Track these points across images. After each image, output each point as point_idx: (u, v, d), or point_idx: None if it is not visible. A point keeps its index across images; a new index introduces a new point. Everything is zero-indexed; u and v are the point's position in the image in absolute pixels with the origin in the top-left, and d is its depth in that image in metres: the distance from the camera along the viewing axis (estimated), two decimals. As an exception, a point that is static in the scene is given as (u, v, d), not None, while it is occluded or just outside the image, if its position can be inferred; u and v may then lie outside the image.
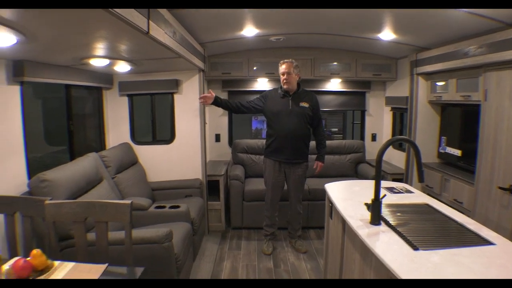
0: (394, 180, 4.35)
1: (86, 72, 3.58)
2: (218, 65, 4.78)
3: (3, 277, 1.74)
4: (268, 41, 4.23)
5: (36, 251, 1.81)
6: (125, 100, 4.32)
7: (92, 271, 1.80)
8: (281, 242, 4.20)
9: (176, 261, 2.76)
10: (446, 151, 4.07)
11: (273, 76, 4.76)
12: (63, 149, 4.00)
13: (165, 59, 3.18)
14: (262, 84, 5.12)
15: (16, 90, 2.74)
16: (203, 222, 4.17)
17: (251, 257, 3.84)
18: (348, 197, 2.59)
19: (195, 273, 3.45)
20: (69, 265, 1.87)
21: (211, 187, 4.48)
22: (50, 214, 2.07)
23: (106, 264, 1.85)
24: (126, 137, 4.37)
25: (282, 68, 3.66)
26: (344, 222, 2.28)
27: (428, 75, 4.19)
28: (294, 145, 3.72)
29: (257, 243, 4.15)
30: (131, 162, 4.15)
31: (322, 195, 4.02)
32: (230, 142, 5.46)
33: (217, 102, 3.60)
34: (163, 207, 3.49)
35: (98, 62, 2.93)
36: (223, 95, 5.27)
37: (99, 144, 4.23)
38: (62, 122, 3.71)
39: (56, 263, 1.89)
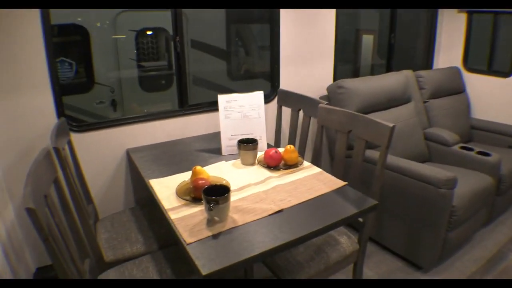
0: None
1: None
2: None
3: (255, 161, 1.90)
4: None
5: (289, 147, 1.88)
6: (463, 18, 3.67)
7: (329, 184, 1.71)
8: None
9: (451, 215, 2.32)
10: None
11: None
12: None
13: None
14: None
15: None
16: (521, 184, 3.30)
17: None
18: None
19: (478, 241, 2.83)
20: (316, 169, 1.86)
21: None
22: (321, 117, 2.06)
23: (345, 183, 1.72)
24: (457, 61, 3.78)
25: None
26: None
27: None
28: None
29: None
30: (455, 90, 3.61)
31: None
32: None
33: None
34: (470, 149, 2.92)
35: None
36: None
37: (425, 63, 3.85)
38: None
39: (307, 164, 1.91)
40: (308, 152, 2.47)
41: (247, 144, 1.89)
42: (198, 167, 1.64)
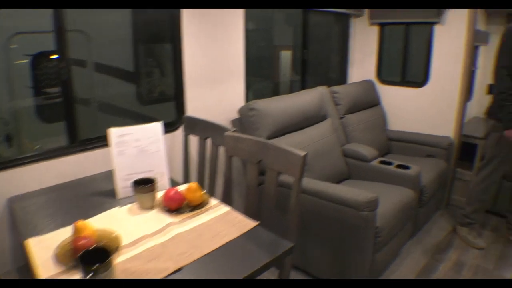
0: None
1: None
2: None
3: (154, 205, 1.64)
4: None
5: (192, 185, 1.64)
6: (375, 31, 3.70)
7: (238, 225, 1.50)
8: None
9: (376, 236, 2.21)
10: None
11: None
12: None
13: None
14: None
15: (238, 12, 2.60)
16: (440, 193, 3.34)
17: (488, 256, 2.83)
18: None
19: (405, 256, 2.77)
20: (223, 209, 1.64)
21: (465, 151, 3.51)
22: (228, 147, 1.86)
23: (257, 223, 1.51)
24: (371, 74, 3.80)
25: None
26: None
27: None
28: None
29: (507, 242, 3.01)
30: (370, 103, 3.62)
31: None
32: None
33: None
34: (389, 163, 2.88)
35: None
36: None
37: (339, 78, 3.83)
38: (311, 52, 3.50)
39: (215, 202, 1.69)
40: (220, 185, 2.24)
41: (144, 185, 1.63)
42: (80, 222, 1.36)
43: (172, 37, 2.38)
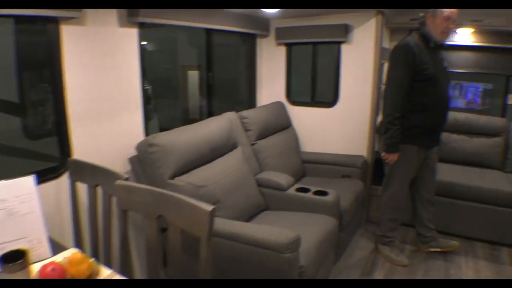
0: None
1: (235, 16, 2.98)
2: (406, 10, 3.51)
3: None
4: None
5: (74, 256, 1.29)
6: (282, 51, 3.59)
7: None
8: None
9: (300, 276, 2.01)
10: None
11: (483, 26, 3.32)
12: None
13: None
14: (463, 37, 3.70)
15: (132, 33, 2.27)
16: (360, 212, 3.27)
17: (416, 270, 2.79)
18: None
19: None
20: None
21: (380, 167, 3.50)
22: (121, 198, 1.52)
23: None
24: (281, 96, 3.68)
25: (453, 12, 2.45)
26: None
27: None
28: (446, 119, 2.70)
29: (429, 254, 3.00)
30: (282, 126, 3.47)
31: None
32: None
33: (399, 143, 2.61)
34: (307, 190, 2.72)
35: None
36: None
37: (249, 102, 3.65)
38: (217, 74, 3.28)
39: (107, 272, 1.34)
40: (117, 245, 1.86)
41: (14, 262, 1.24)
42: None
43: (51, 62, 1.98)
